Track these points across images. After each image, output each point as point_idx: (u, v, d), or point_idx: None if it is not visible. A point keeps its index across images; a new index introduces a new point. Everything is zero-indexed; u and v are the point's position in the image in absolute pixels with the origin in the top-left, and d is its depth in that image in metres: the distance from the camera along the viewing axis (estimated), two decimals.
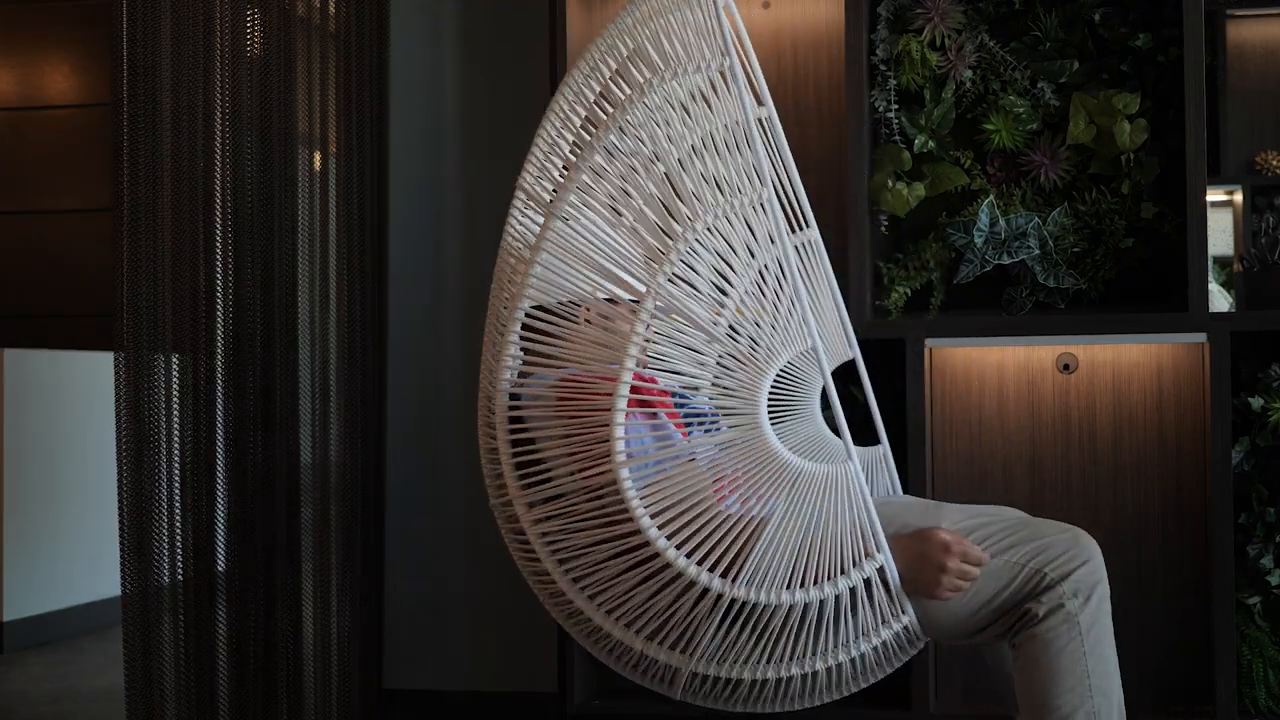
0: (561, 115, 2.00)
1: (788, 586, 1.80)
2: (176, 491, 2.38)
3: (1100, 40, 2.80)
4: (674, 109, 1.85)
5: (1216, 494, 2.57)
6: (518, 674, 3.07)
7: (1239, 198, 2.89)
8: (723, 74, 1.83)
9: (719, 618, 1.82)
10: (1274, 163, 2.87)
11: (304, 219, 2.74)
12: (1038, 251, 2.74)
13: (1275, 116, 2.88)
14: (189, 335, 2.41)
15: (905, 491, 2.70)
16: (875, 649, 1.89)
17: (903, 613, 1.88)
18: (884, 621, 1.87)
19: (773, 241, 1.80)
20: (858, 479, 1.78)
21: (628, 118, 1.84)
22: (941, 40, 2.81)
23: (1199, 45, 2.60)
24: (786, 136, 2.96)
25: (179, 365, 2.39)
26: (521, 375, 1.93)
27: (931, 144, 2.82)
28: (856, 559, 1.81)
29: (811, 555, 1.80)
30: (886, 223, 2.85)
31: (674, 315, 1.81)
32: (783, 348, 1.78)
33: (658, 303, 1.79)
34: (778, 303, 1.79)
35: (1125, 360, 2.78)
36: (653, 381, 1.89)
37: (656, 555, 1.80)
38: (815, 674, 1.88)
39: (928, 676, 2.65)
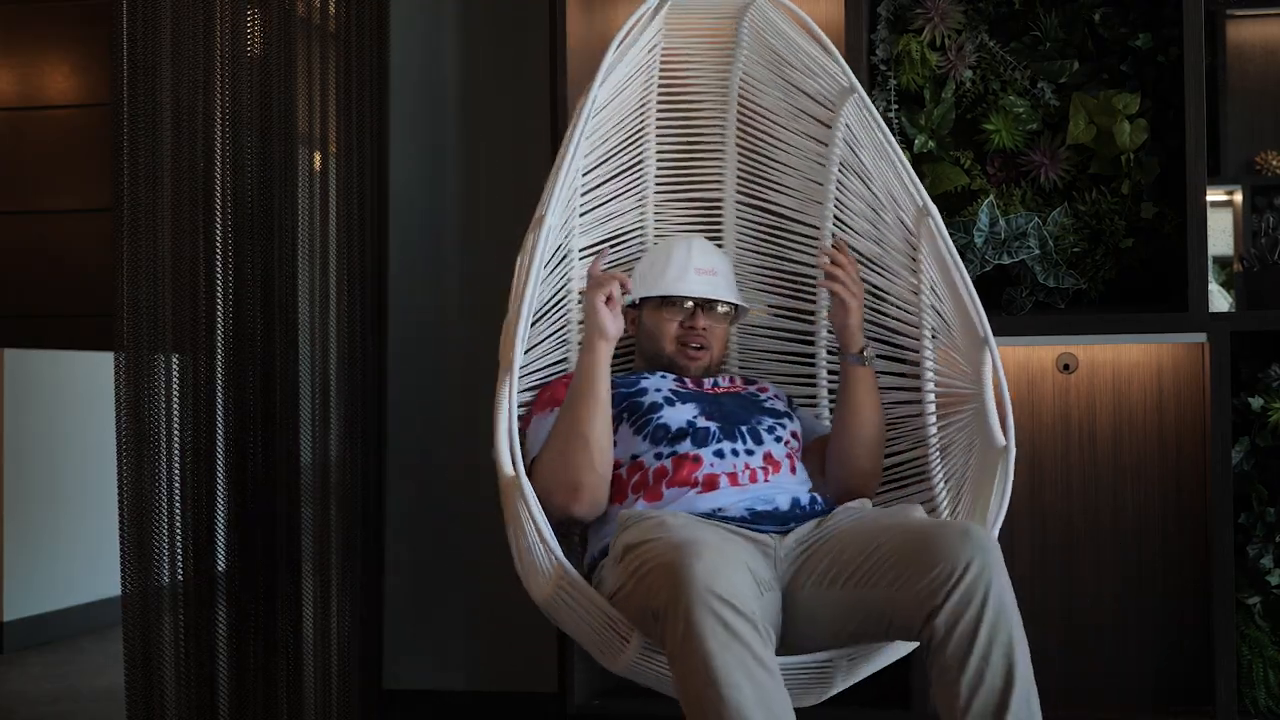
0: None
1: None
2: (176, 491, 2.38)
3: (1100, 40, 2.80)
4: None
5: (1216, 494, 2.57)
6: (518, 674, 3.07)
7: (1239, 198, 2.89)
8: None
9: None
10: (1274, 163, 2.88)
11: (304, 219, 2.74)
12: (1038, 251, 2.74)
13: (1275, 116, 2.88)
14: (189, 335, 2.41)
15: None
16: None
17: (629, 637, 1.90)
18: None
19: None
20: (524, 489, 1.86)
21: None
22: (941, 40, 2.81)
23: (1199, 45, 2.60)
24: None
25: (179, 365, 2.39)
26: None
27: (931, 144, 2.82)
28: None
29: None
30: None
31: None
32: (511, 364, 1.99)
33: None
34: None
35: (1125, 360, 2.78)
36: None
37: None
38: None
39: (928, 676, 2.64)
